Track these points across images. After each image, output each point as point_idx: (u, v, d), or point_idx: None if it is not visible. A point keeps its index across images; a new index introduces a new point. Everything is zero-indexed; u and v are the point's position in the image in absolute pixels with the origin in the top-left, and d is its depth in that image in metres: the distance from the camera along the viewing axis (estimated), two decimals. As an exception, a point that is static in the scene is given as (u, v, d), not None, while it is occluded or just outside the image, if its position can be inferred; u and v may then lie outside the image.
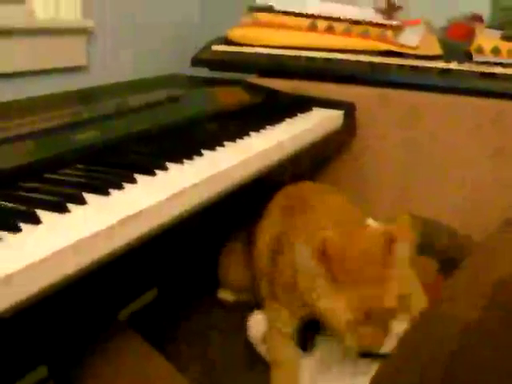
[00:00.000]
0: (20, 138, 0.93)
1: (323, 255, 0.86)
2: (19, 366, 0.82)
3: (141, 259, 0.79)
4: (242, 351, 1.06)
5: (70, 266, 0.66)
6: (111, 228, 0.70)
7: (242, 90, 1.53)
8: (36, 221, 0.69)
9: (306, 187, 1.23)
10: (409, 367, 0.57)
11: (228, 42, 1.76)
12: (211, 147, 1.05)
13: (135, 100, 1.30)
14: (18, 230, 0.67)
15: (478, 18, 1.90)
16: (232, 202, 1.03)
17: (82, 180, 0.84)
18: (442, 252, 1.21)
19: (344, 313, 0.84)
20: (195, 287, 1.27)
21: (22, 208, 0.72)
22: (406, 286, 0.87)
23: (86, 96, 1.34)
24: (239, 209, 1.18)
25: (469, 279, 0.58)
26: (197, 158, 0.99)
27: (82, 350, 0.81)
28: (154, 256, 0.84)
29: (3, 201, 0.75)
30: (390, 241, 0.88)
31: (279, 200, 1.19)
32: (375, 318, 0.83)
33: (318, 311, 0.89)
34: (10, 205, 0.74)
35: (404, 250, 0.88)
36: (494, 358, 0.54)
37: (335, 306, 0.85)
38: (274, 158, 1.15)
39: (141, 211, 0.75)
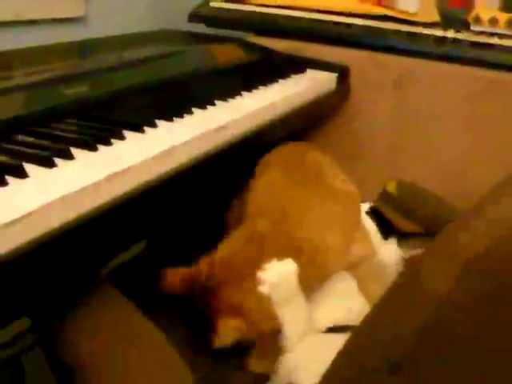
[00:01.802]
0: (10, 90, 0.93)
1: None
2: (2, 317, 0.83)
3: (130, 212, 0.80)
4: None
5: (56, 220, 0.67)
6: (98, 184, 0.72)
7: (237, 48, 1.52)
8: (23, 175, 0.70)
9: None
10: (379, 338, 0.59)
11: (226, -2, 1.75)
12: (202, 106, 1.06)
13: (128, 55, 1.30)
14: (4, 183, 0.68)
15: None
16: (227, 160, 1.04)
17: (72, 135, 0.85)
18: (426, 217, 1.23)
19: None
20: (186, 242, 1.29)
21: (10, 161, 0.73)
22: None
23: (78, 49, 1.33)
24: (235, 167, 1.18)
25: (445, 248, 0.60)
26: (187, 116, 1.00)
27: (66, 303, 0.83)
28: (144, 209, 0.85)
29: (-8, 153, 0.75)
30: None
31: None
32: None
33: None
34: (-1, 157, 0.75)
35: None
36: (466, 331, 0.56)
37: None
38: (266, 118, 1.15)
39: (128, 168, 0.76)
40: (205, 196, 1.14)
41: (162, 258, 1.25)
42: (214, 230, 1.27)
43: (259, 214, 1.02)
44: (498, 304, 0.54)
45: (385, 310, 0.61)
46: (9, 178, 0.69)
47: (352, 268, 1.06)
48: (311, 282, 0.98)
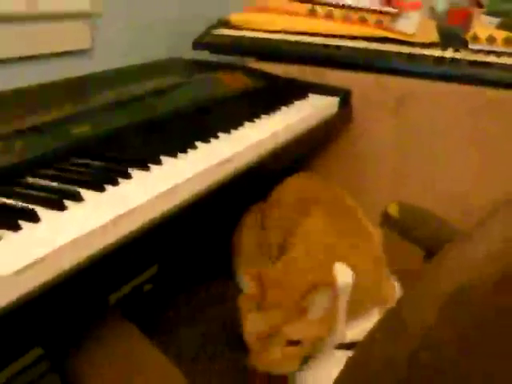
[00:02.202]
0: (14, 133, 0.96)
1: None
2: (16, 348, 0.87)
3: (136, 249, 0.84)
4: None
5: (67, 263, 0.71)
6: (105, 226, 0.76)
7: (239, 75, 1.56)
8: (36, 219, 0.74)
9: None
10: (368, 369, 0.62)
11: (229, 26, 1.80)
12: (205, 139, 1.09)
13: (131, 90, 1.34)
14: (18, 228, 0.72)
15: (477, 3, 1.93)
16: (229, 192, 1.08)
17: (80, 176, 0.89)
18: (427, 239, 1.26)
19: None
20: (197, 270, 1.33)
21: (23, 206, 0.77)
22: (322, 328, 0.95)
23: (82, 85, 1.37)
24: (238, 196, 1.22)
25: (431, 281, 0.63)
26: (191, 152, 1.04)
27: (78, 333, 0.87)
28: (150, 244, 0.89)
29: (3, 197, 0.80)
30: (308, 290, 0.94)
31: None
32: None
33: None
34: (10, 202, 0.79)
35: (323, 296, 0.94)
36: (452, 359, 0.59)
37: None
38: (269, 147, 1.19)
39: (134, 208, 0.81)
40: (208, 225, 1.18)
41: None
42: (220, 255, 1.31)
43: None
44: (480, 336, 0.57)
45: (380, 334, 0.64)
46: (22, 223, 0.73)
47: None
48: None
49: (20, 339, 0.75)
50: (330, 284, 0.95)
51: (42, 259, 0.67)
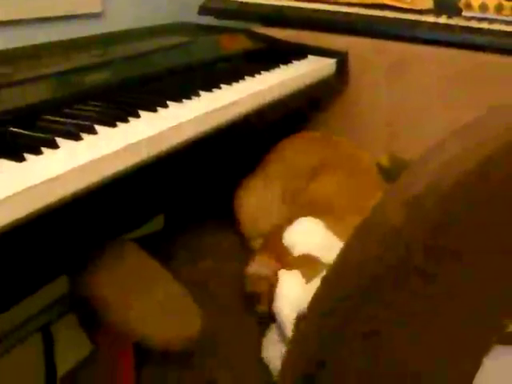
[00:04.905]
0: (39, 78, 1.08)
1: None
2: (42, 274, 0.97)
3: (144, 179, 0.94)
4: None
5: (83, 182, 0.81)
6: (116, 153, 0.86)
7: (242, 37, 1.65)
8: (55, 146, 0.85)
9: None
10: (341, 277, 0.71)
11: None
12: (208, 89, 1.19)
13: (143, 46, 1.44)
14: (40, 153, 0.83)
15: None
16: (229, 137, 1.17)
17: (94, 114, 0.99)
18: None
19: None
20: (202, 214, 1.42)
21: (45, 136, 0.87)
22: None
23: (98, 41, 1.47)
24: (239, 146, 1.31)
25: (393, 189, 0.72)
26: (195, 98, 1.14)
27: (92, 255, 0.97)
28: (156, 178, 0.99)
29: (29, 130, 0.90)
30: None
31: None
32: None
33: None
34: (35, 133, 0.89)
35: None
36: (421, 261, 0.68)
37: None
38: (267, 98, 1.28)
39: (141, 140, 0.91)
40: (213, 171, 1.28)
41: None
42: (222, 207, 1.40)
43: None
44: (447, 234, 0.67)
45: (353, 241, 0.72)
46: (44, 149, 0.83)
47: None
48: None
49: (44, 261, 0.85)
50: None
51: (61, 176, 0.77)
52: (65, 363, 1.47)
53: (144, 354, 0.98)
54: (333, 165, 1.32)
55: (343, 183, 1.27)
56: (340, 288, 0.72)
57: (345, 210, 1.17)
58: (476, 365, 0.90)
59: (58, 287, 1.37)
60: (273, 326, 1.03)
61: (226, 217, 1.36)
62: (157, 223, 1.56)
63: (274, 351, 1.00)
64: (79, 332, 1.13)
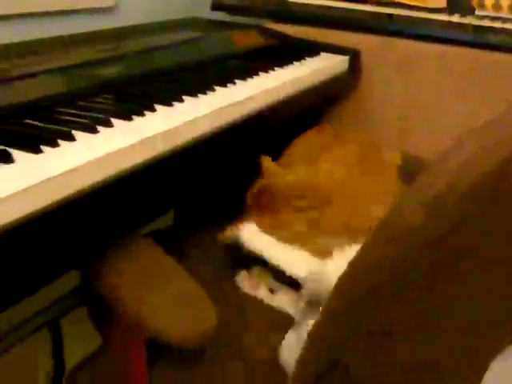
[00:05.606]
0: (55, 71, 1.08)
1: None
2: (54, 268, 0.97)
3: (158, 173, 0.94)
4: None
5: (99, 175, 0.81)
6: (133, 146, 0.86)
7: (256, 34, 1.65)
8: (72, 139, 0.85)
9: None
10: (357, 277, 0.71)
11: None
12: (223, 84, 1.19)
13: (158, 40, 1.44)
14: (57, 145, 0.82)
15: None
16: (243, 133, 1.17)
17: (110, 108, 0.99)
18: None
19: None
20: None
21: (61, 128, 0.87)
22: None
23: (112, 35, 1.47)
24: (252, 143, 1.31)
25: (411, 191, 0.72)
26: (210, 93, 1.14)
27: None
28: (171, 173, 0.99)
29: (45, 122, 0.90)
30: None
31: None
32: None
33: None
34: (51, 125, 0.89)
35: None
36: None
37: None
38: (281, 94, 1.28)
39: (156, 134, 0.91)
40: (226, 169, 1.28)
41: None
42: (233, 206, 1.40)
43: None
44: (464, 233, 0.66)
45: (370, 242, 0.72)
46: (60, 142, 0.83)
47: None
48: None
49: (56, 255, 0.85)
50: None
51: (80, 167, 0.77)
52: (73, 357, 1.47)
53: (157, 350, 0.98)
54: (344, 160, 1.32)
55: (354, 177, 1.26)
56: (356, 288, 0.72)
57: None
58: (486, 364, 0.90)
59: (68, 281, 1.38)
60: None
61: (239, 214, 1.36)
62: (166, 218, 1.56)
63: (290, 355, 0.96)
64: (88, 326, 1.13)
